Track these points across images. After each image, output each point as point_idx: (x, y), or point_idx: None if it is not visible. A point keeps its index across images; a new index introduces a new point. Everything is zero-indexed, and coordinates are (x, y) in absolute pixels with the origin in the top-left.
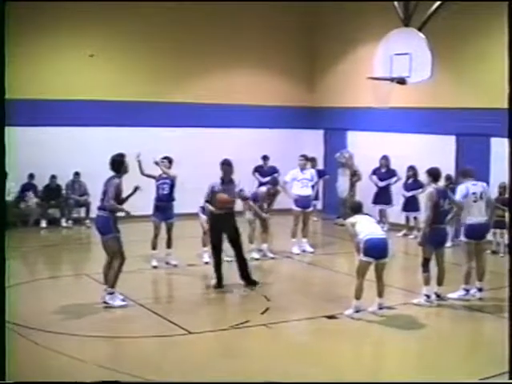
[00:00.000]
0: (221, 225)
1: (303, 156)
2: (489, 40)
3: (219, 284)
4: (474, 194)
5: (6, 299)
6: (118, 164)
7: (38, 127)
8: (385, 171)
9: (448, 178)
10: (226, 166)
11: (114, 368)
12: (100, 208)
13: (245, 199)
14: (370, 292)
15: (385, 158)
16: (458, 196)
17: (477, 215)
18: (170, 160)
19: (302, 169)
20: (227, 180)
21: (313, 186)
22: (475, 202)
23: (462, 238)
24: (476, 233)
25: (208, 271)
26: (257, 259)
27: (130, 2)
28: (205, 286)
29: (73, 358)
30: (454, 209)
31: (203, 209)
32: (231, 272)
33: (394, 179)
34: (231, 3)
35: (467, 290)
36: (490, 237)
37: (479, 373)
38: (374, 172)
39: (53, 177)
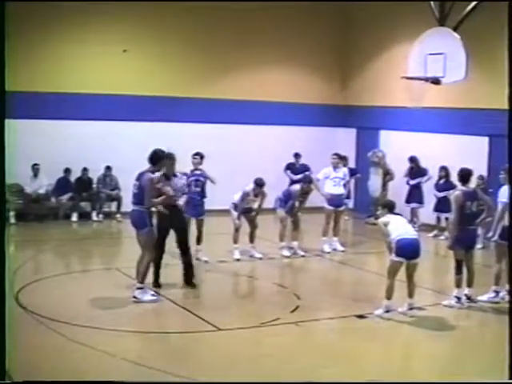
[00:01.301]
0: (168, 222)
1: (336, 154)
2: None
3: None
4: None
5: (5, 299)
6: (157, 158)
7: (70, 121)
8: (416, 171)
9: (481, 178)
10: (166, 159)
11: (141, 363)
12: (135, 203)
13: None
14: (400, 292)
15: (413, 159)
16: (501, 197)
17: None
18: (201, 156)
19: (335, 167)
20: (170, 174)
21: (345, 185)
22: None
23: (497, 238)
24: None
25: (239, 268)
26: (287, 257)
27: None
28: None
29: (101, 351)
30: (485, 210)
31: (235, 206)
32: (262, 270)
33: (425, 178)
34: (264, 1)
35: (497, 292)
36: None
37: (507, 376)
38: (407, 174)
39: (84, 169)
